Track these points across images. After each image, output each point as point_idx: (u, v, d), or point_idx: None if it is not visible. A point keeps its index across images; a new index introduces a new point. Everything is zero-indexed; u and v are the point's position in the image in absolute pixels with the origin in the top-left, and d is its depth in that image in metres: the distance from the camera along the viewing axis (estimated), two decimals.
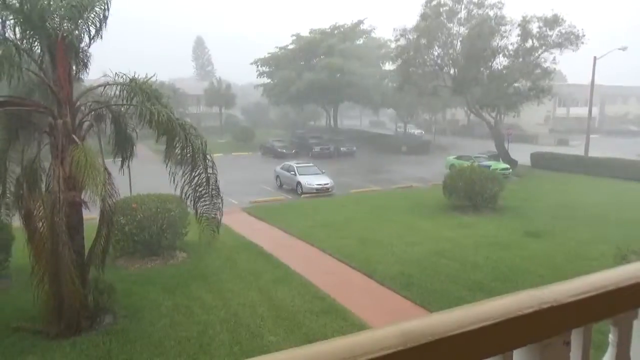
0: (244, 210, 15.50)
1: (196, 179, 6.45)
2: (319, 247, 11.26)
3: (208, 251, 9.47)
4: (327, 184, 18.79)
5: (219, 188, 6.62)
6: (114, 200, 6.36)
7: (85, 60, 6.37)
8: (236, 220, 13.67)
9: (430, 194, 18.14)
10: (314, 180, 18.74)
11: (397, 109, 38.38)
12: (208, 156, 6.45)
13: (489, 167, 19.09)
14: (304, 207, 16.37)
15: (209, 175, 6.47)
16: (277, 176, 20.31)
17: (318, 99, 36.99)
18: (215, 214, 6.61)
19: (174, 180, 6.27)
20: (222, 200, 6.67)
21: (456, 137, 42.31)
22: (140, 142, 7.73)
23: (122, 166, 6.93)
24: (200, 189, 6.49)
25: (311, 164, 20.81)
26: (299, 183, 18.77)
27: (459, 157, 24.43)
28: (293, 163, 20.34)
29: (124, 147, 6.96)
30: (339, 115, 50.32)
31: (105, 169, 6.01)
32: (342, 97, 37.39)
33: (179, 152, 6.29)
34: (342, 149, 33.12)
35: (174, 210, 9.93)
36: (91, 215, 7.22)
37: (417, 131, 43.14)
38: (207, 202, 6.52)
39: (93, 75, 7.01)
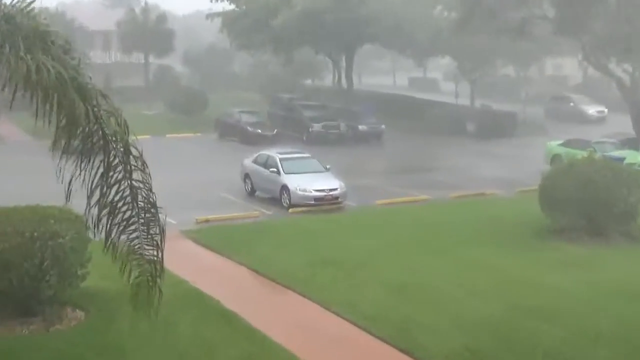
0: (186, 235, 15.78)
1: (113, 189, 6.54)
2: (319, 300, 11.43)
3: (122, 307, 9.02)
4: (335, 189, 19.08)
5: (155, 205, 6.72)
6: None
7: None
8: (174, 252, 14.38)
9: (515, 207, 18.37)
10: (311, 182, 18.99)
11: (457, 59, 38.68)
12: (133, 149, 6.50)
13: (621, 160, 19.33)
14: (294, 229, 16.61)
15: (135, 184, 6.55)
16: (247, 175, 20.63)
17: (320, 41, 36.95)
18: (153, 252, 6.71)
19: (64, 183, 6.38)
20: (163, 228, 6.72)
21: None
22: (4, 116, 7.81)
23: None
24: (121, 207, 6.57)
25: (306, 155, 21.11)
26: (285, 188, 18.98)
27: (567, 144, 24.93)
28: (274, 153, 20.54)
29: None
30: (357, 70, 50.14)
31: None
32: (361, 38, 37.22)
33: (80, 140, 6.37)
34: (360, 127, 33.14)
35: (63, 236, 9.78)
36: None
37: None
38: (135, 231, 6.64)
39: None
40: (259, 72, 47.92)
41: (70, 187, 6.36)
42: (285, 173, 19.18)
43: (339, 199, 19.10)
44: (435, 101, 39.86)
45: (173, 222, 16.83)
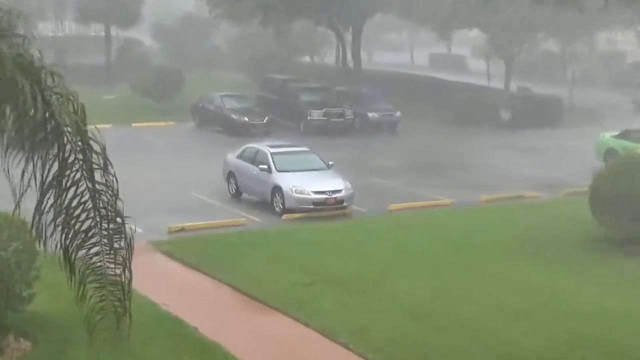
0: (157, 247, 15.88)
1: (70, 193, 6.47)
2: (321, 328, 11.43)
3: (77, 336, 9.11)
4: (339, 191, 19.24)
5: (121, 214, 6.65)
6: None
7: None
8: (141, 268, 14.28)
9: (561, 213, 18.35)
10: (309, 182, 19.20)
11: (488, 32, 38.47)
12: (94, 144, 6.41)
13: None
14: (289, 241, 16.55)
15: (96, 187, 6.49)
16: (231, 174, 20.87)
17: (320, 10, 37.57)
18: (119, 272, 6.67)
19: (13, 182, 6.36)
20: (130, 241, 6.66)
21: (618, 92, 42.74)
22: None
23: None
24: (79, 214, 6.50)
25: (304, 148, 21.33)
26: (277, 189, 19.13)
27: (624, 135, 24.84)
28: (265, 146, 20.82)
29: None
30: (366, 46, 50.30)
31: None
32: (371, 6, 37.53)
33: (29, 131, 6.29)
34: (370, 114, 33.43)
35: (4, 249, 9.80)
36: None
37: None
38: (96, 245, 6.58)
39: None
40: (246, 48, 47.71)
41: (21, 188, 6.26)
42: (278, 171, 19.25)
43: (344, 203, 19.17)
44: (462, 83, 39.94)
45: (140, 230, 16.89)
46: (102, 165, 6.43)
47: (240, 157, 20.66)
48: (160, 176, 22.12)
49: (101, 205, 6.51)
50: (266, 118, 31.15)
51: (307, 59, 50.13)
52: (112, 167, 6.54)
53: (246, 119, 30.75)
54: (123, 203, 6.63)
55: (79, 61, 38.63)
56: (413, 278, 13.75)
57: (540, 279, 13.56)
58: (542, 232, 16.70)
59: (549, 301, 12.50)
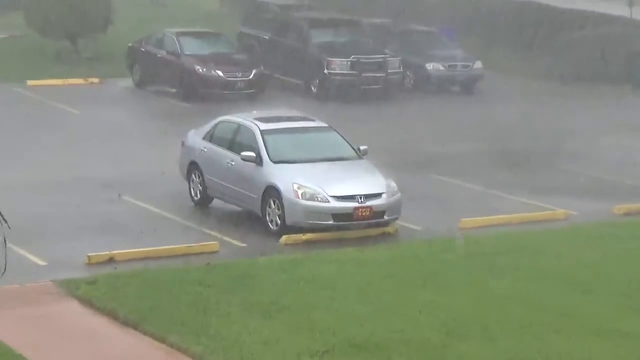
0: (69, 290, 15.93)
1: None
2: None
3: None
4: (378, 195, 19.35)
5: None
6: None
7: None
8: (43, 327, 14.04)
9: None
10: (328, 181, 19.42)
11: None
12: None
13: None
14: (290, 279, 16.48)
15: None
16: (193, 166, 21.21)
17: None
18: None
19: None
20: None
21: None
22: None
23: None
24: None
25: (317, 123, 21.64)
26: (271, 192, 19.29)
27: None
28: (250, 120, 20.97)
29: None
30: None
31: None
32: None
33: None
34: (431, 66, 33.97)
35: None
36: None
37: None
38: None
39: None
40: None
41: None
42: (274, 162, 19.40)
43: (386, 217, 19.32)
44: (591, 13, 39.72)
45: (40, 262, 16.37)
46: None
47: (209, 137, 20.88)
48: (73, 170, 22.23)
49: None
50: (253, 72, 31.37)
51: None
52: None
53: (219, 72, 31.06)
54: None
55: None
56: (505, 344, 13.46)
57: None
58: None
59: None
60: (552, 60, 35.01)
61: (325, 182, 19.02)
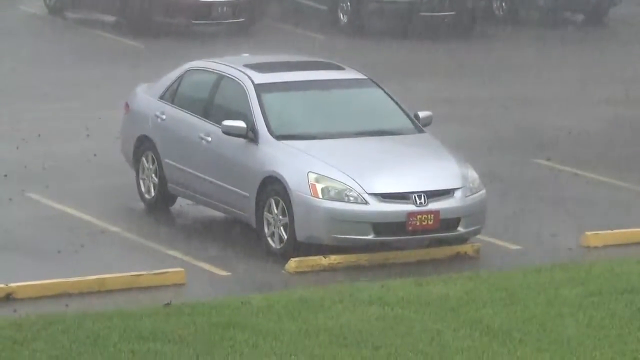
0: None
1: None
2: None
3: None
4: (448, 192, 20.34)
5: None
6: None
7: None
8: None
9: None
10: (366, 168, 20.15)
11: None
12: None
13: None
14: (302, 332, 15.76)
15: None
16: (143, 141, 22.84)
17: None
18: None
19: None
20: None
21: None
22: None
23: None
24: None
25: (350, 74, 22.87)
26: (272, 185, 20.34)
27: None
28: (236, 66, 22.07)
29: None
30: None
31: None
32: None
33: None
34: None
35: None
36: None
37: None
38: None
39: None
40: None
41: None
42: (277, 137, 19.69)
43: (460, 228, 19.26)
44: None
45: None
46: None
47: (170, 97, 21.27)
48: None
49: None
50: None
51: None
52: None
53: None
54: None
55: None
56: None
57: None
58: None
59: None
60: None
61: (360, 170, 18.86)
